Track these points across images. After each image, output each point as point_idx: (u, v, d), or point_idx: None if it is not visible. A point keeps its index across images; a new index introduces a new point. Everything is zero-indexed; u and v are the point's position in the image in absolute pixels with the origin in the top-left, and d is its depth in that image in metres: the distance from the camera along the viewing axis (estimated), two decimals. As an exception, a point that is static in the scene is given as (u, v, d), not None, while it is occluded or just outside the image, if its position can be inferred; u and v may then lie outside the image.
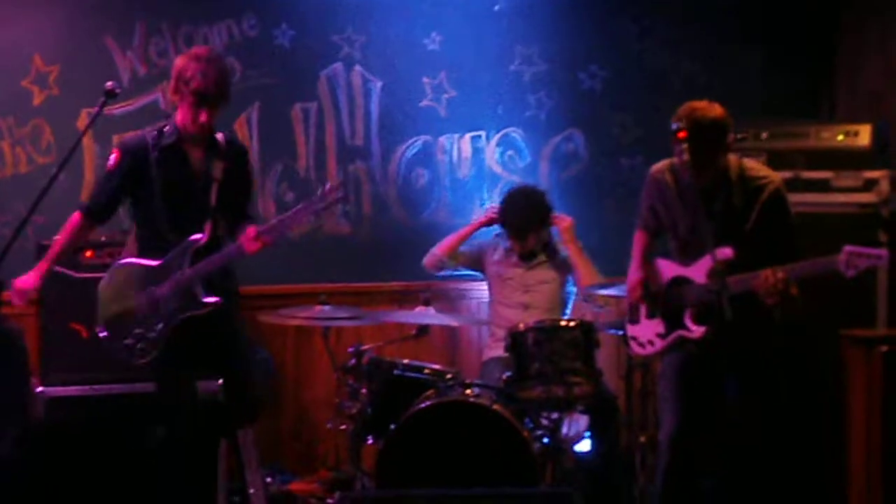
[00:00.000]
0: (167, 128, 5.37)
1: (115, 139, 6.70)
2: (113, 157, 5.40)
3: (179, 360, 5.37)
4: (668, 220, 5.30)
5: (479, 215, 6.96)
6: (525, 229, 6.49)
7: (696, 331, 5.11)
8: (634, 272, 5.47)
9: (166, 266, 5.31)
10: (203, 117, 5.25)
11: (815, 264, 4.84)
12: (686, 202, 5.17)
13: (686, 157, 4.94)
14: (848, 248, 4.71)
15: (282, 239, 5.44)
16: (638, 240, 5.55)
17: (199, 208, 5.34)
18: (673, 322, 5.23)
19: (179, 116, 5.33)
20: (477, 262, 6.75)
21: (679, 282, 5.24)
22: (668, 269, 5.32)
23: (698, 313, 5.12)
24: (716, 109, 5.00)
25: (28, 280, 5.41)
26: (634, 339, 5.45)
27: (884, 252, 4.70)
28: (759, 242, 5.02)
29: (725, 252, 4.93)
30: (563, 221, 6.62)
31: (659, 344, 5.30)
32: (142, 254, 5.43)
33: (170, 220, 5.34)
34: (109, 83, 5.07)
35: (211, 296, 5.28)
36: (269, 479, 6.48)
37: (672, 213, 5.26)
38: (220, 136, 5.46)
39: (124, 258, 5.52)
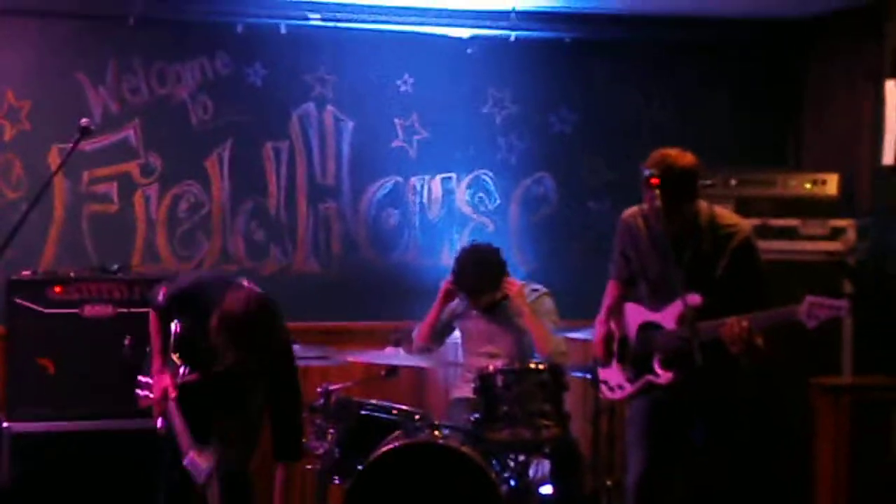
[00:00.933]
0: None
1: (86, 175, 6.68)
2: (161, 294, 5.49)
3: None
4: (638, 265, 5.33)
5: (437, 294, 6.73)
6: (478, 291, 6.47)
7: (664, 376, 5.14)
8: (600, 324, 5.49)
9: None
10: None
11: (777, 314, 4.87)
12: (656, 248, 5.20)
13: (657, 203, 4.97)
14: (809, 298, 4.74)
15: None
16: (610, 290, 5.55)
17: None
18: (641, 367, 5.25)
19: None
20: (452, 324, 6.74)
21: (648, 327, 5.27)
22: (638, 314, 5.34)
23: (666, 359, 5.14)
24: (687, 157, 5.04)
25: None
26: (605, 382, 5.47)
27: (843, 303, 4.73)
28: (728, 290, 5.04)
29: (694, 299, 4.96)
30: (512, 287, 6.51)
31: (628, 388, 5.33)
32: None
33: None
34: (84, 120, 5.03)
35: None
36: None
37: (642, 258, 5.29)
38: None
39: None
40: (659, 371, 5.15)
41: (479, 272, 6.44)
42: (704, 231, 5.13)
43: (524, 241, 7.44)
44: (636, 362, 5.29)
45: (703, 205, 5.15)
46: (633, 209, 5.36)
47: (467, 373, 6.42)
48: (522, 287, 6.51)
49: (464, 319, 6.63)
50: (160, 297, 5.44)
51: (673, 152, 5.03)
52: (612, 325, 5.43)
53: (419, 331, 6.67)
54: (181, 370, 5.37)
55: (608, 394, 5.48)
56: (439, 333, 6.69)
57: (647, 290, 5.33)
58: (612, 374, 5.42)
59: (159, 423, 5.40)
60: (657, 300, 5.24)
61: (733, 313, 4.89)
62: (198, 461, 5.27)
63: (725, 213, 5.24)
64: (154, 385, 5.42)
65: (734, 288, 5.05)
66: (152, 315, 5.52)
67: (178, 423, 5.32)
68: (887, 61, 6.51)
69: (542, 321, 6.42)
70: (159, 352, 5.47)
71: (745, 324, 4.83)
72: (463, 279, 6.47)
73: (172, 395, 5.32)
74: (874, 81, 6.71)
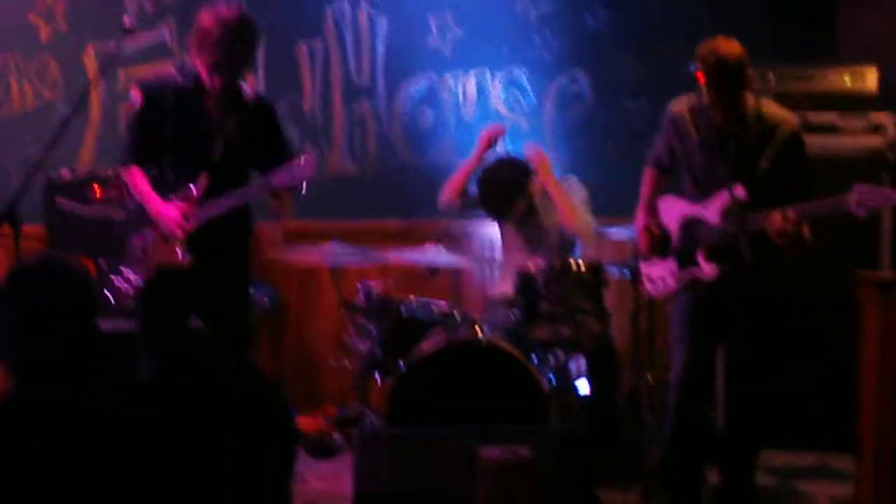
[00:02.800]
0: (188, 73, 5.27)
1: (122, 74, 6.69)
2: (135, 97, 5.29)
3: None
4: (683, 157, 5.30)
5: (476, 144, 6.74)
6: (507, 211, 6.49)
7: (709, 270, 5.13)
8: (641, 215, 5.49)
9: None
10: (217, 83, 5.18)
11: (825, 204, 4.85)
12: (703, 140, 5.18)
13: (709, 96, 4.95)
14: (858, 187, 4.72)
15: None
16: (647, 178, 5.53)
17: (201, 159, 5.25)
18: (685, 261, 5.25)
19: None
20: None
21: (691, 220, 5.26)
22: (680, 207, 5.32)
23: (711, 252, 5.14)
24: (736, 46, 4.98)
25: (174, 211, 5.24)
26: (648, 277, 5.46)
27: (894, 191, 4.72)
28: (773, 183, 5.02)
29: (739, 191, 4.95)
30: (534, 155, 6.45)
31: (672, 283, 5.31)
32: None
33: (173, 165, 5.25)
34: (126, 19, 5.04)
35: (187, 254, 5.21)
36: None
37: (688, 150, 5.26)
38: (248, 88, 5.34)
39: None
40: (704, 265, 5.15)
41: (504, 188, 6.42)
42: (751, 124, 5.09)
43: (559, 140, 7.40)
44: (679, 256, 5.28)
45: (750, 98, 5.11)
46: (682, 100, 5.31)
47: (506, 270, 6.45)
48: (545, 157, 6.46)
49: (501, 226, 6.63)
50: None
51: (721, 43, 4.98)
52: (653, 217, 5.42)
53: (449, 182, 6.61)
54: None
55: (651, 288, 5.46)
56: (470, 197, 6.62)
57: (692, 182, 5.30)
58: (656, 269, 5.41)
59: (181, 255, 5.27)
60: (701, 193, 5.22)
61: (777, 206, 4.88)
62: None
63: (772, 107, 5.20)
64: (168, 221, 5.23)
65: (779, 181, 5.03)
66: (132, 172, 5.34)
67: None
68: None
69: (567, 196, 6.40)
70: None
71: (791, 214, 4.81)
72: (490, 203, 6.46)
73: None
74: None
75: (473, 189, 6.59)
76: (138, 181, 5.29)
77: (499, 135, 6.53)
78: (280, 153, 5.43)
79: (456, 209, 6.67)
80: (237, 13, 5.14)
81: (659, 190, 5.49)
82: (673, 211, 5.36)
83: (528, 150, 6.46)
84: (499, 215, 6.50)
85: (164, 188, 5.25)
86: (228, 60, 5.10)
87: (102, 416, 3.13)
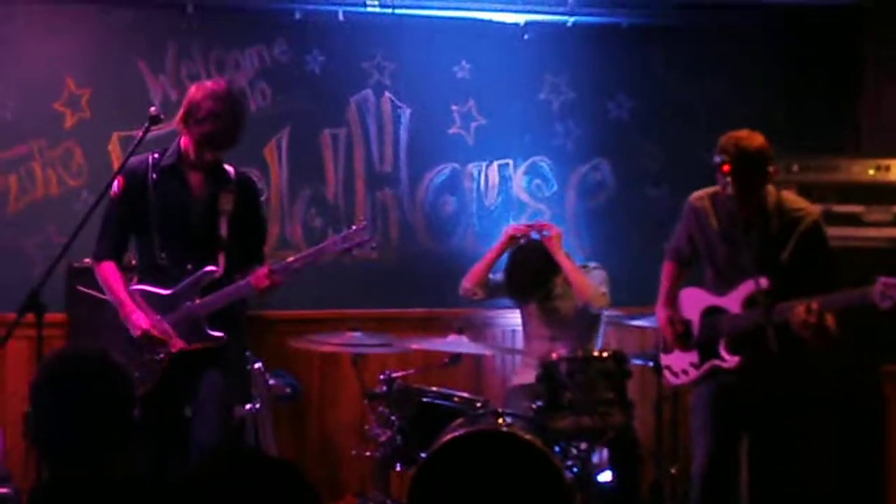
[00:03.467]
0: (170, 149, 5.22)
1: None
2: (116, 182, 5.18)
3: (173, 394, 5.20)
4: (705, 249, 5.30)
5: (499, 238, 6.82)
6: (532, 294, 6.52)
7: (731, 360, 5.11)
8: (662, 307, 5.47)
9: (177, 296, 5.15)
10: (208, 157, 5.14)
11: (849, 295, 4.82)
12: (725, 232, 5.18)
13: (729, 188, 4.95)
14: (883, 279, 4.70)
15: (292, 276, 5.24)
16: (667, 272, 5.55)
17: (203, 239, 5.18)
18: (706, 352, 5.23)
19: (183, 141, 5.20)
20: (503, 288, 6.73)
21: (712, 311, 5.24)
22: (701, 298, 5.32)
23: (733, 343, 5.12)
24: (757, 140, 5.00)
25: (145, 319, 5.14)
26: (668, 368, 5.44)
27: None
28: (796, 274, 5.02)
29: (763, 280, 4.94)
30: (550, 231, 6.55)
31: (693, 374, 5.29)
32: (143, 282, 5.25)
33: (164, 247, 5.17)
34: (153, 108, 5.04)
35: (216, 330, 5.14)
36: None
37: (710, 242, 5.26)
38: (229, 168, 5.28)
39: (135, 284, 5.28)
40: (726, 355, 5.12)
41: (530, 277, 6.46)
42: (773, 215, 5.10)
43: (581, 228, 7.41)
44: (701, 347, 5.26)
45: (771, 189, 5.12)
46: (702, 192, 5.32)
47: (527, 359, 6.42)
48: (559, 233, 6.52)
49: (523, 311, 6.62)
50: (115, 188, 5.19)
51: (743, 135, 5.00)
52: (674, 309, 5.41)
53: (470, 272, 6.66)
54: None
55: (672, 379, 5.45)
56: (491, 286, 6.67)
57: (713, 274, 5.30)
58: (676, 360, 5.39)
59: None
60: (722, 285, 5.21)
61: (800, 297, 4.86)
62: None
63: (793, 197, 5.21)
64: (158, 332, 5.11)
65: (802, 272, 5.02)
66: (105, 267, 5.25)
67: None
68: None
69: (577, 269, 6.43)
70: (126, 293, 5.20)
71: (815, 305, 4.79)
72: (513, 289, 6.49)
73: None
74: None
75: (495, 278, 6.60)
76: (113, 280, 5.21)
77: (523, 234, 6.55)
78: (262, 239, 5.49)
79: (477, 298, 6.68)
80: (225, 86, 5.14)
81: (678, 282, 5.49)
82: (694, 302, 5.35)
83: (538, 223, 6.49)
84: (523, 298, 6.50)
85: (159, 275, 5.17)
86: (218, 133, 5.07)
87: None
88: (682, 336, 5.33)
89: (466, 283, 6.64)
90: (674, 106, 7.53)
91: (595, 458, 5.89)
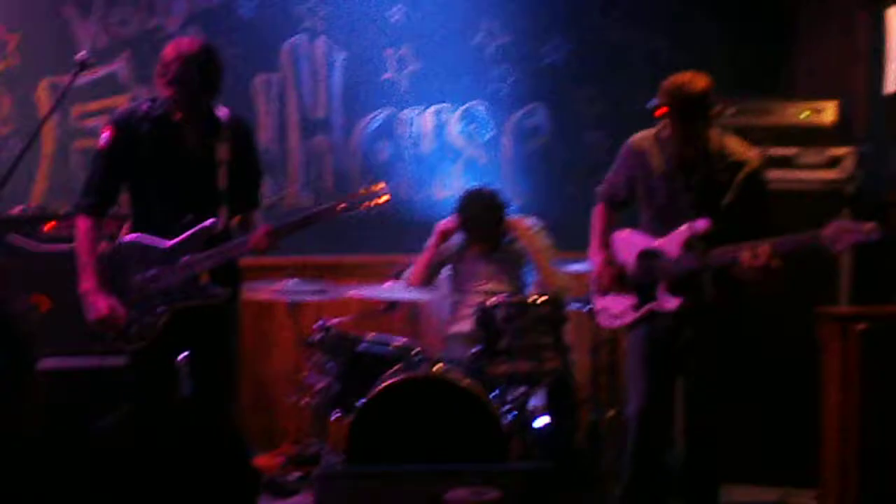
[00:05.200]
0: (159, 99, 5.05)
1: (76, 109, 6.62)
2: (105, 134, 5.05)
3: (171, 351, 5.14)
4: (645, 190, 5.28)
5: (432, 232, 6.65)
6: (488, 235, 6.44)
7: (671, 302, 5.11)
8: (597, 250, 5.46)
9: (176, 249, 5.05)
10: (190, 114, 5.01)
11: (800, 238, 4.84)
12: (667, 173, 5.16)
13: (673, 129, 4.94)
14: (835, 222, 4.71)
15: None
16: (599, 213, 5.53)
17: (201, 191, 5.06)
18: (644, 295, 5.22)
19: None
20: (444, 263, 6.66)
21: (650, 254, 5.23)
22: (637, 241, 5.31)
23: (673, 286, 5.12)
24: (702, 81, 4.97)
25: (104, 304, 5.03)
26: (604, 311, 5.43)
27: (872, 225, 4.69)
28: (734, 218, 5.02)
29: (702, 223, 4.94)
30: (521, 225, 6.49)
31: (629, 316, 5.29)
32: (139, 232, 5.12)
33: (163, 199, 5.06)
34: (81, 54, 4.95)
35: (217, 286, 5.08)
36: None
37: (650, 182, 5.24)
38: (222, 112, 5.14)
39: (131, 234, 5.15)
40: (664, 298, 5.12)
41: (489, 217, 6.39)
42: (715, 159, 5.09)
43: (517, 173, 7.38)
44: (638, 290, 5.26)
45: (714, 133, 5.11)
46: (644, 133, 5.30)
47: (464, 308, 6.39)
48: (529, 228, 6.48)
49: (461, 259, 6.57)
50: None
51: (686, 78, 4.98)
52: (608, 252, 5.40)
53: (412, 273, 6.58)
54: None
55: (607, 322, 5.44)
56: (432, 275, 6.63)
57: (650, 217, 5.29)
58: (612, 302, 5.38)
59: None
60: (660, 228, 5.20)
61: (736, 241, 4.87)
62: None
63: (737, 142, 5.20)
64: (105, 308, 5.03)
65: (740, 217, 5.02)
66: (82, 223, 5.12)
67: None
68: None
69: (544, 256, 6.39)
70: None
71: (764, 249, 4.79)
72: (473, 225, 6.41)
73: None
74: (871, 8, 6.64)
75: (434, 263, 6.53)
76: (86, 240, 5.09)
77: (454, 230, 6.48)
78: (258, 182, 5.39)
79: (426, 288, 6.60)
80: (200, 43, 5.01)
81: (611, 225, 5.48)
82: (629, 245, 5.34)
83: (513, 219, 6.45)
84: (481, 238, 6.42)
85: (158, 226, 5.07)
86: (198, 90, 4.95)
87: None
88: (618, 278, 5.33)
89: (412, 283, 6.54)
90: (610, 50, 7.48)
91: (532, 403, 5.90)
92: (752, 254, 4.81)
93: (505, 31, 7.40)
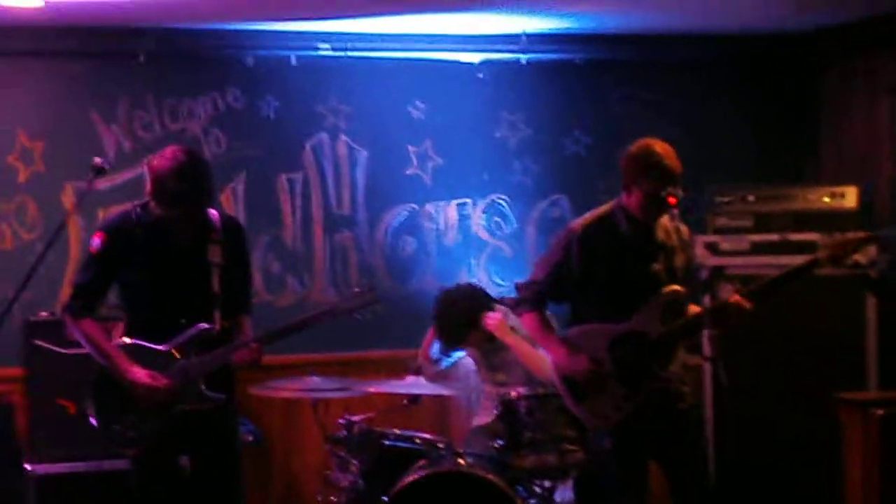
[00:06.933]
0: (149, 207, 5.07)
1: (101, 213, 6.69)
2: (97, 240, 5.09)
3: (170, 455, 5.13)
4: (603, 276, 5.19)
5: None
6: (453, 338, 6.37)
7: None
8: (561, 349, 5.28)
9: (171, 353, 5.04)
10: (182, 221, 5.03)
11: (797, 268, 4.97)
12: (632, 247, 5.17)
13: (645, 200, 5.07)
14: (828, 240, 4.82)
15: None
16: (537, 320, 5.38)
17: (195, 295, 5.06)
18: (634, 382, 5.15)
19: None
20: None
21: (622, 340, 5.16)
22: (601, 332, 5.21)
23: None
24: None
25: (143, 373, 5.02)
26: (593, 414, 5.28)
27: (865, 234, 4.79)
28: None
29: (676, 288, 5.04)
30: (490, 323, 6.23)
31: (626, 408, 5.20)
32: (133, 336, 5.11)
33: (156, 303, 5.07)
34: (97, 159, 5.01)
35: (213, 391, 5.05)
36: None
37: (611, 266, 5.19)
38: (214, 214, 5.18)
39: (126, 339, 5.12)
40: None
41: (450, 320, 6.31)
42: (670, 230, 5.20)
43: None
44: (624, 379, 5.16)
45: None
46: (590, 218, 5.29)
47: (486, 400, 6.37)
48: (502, 321, 6.28)
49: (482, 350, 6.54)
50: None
51: (662, 147, 5.17)
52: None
53: (423, 352, 6.52)
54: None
55: (600, 423, 5.28)
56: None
57: (607, 299, 5.21)
58: (598, 403, 5.22)
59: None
60: (620, 309, 5.14)
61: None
62: None
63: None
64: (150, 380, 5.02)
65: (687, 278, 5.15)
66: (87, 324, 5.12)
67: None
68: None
69: (528, 346, 6.26)
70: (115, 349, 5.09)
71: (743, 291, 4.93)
72: (437, 328, 6.37)
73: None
74: (892, 92, 6.67)
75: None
76: (98, 336, 5.09)
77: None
78: (249, 284, 5.44)
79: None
80: (186, 159, 4.97)
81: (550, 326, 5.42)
82: (593, 339, 5.22)
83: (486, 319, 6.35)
84: (455, 341, 6.39)
85: (152, 330, 5.05)
86: (191, 211, 4.99)
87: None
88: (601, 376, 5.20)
89: (420, 359, 6.52)
90: (630, 141, 7.47)
91: (558, 497, 5.85)
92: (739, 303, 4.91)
93: (526, 124, 7.48)
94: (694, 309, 5.12)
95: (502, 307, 6.37)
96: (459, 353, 6.50)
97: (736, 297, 4.94)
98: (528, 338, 6.05)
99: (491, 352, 6.37)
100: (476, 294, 6.39)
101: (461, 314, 6.29)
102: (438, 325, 6.35)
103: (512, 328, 6.21)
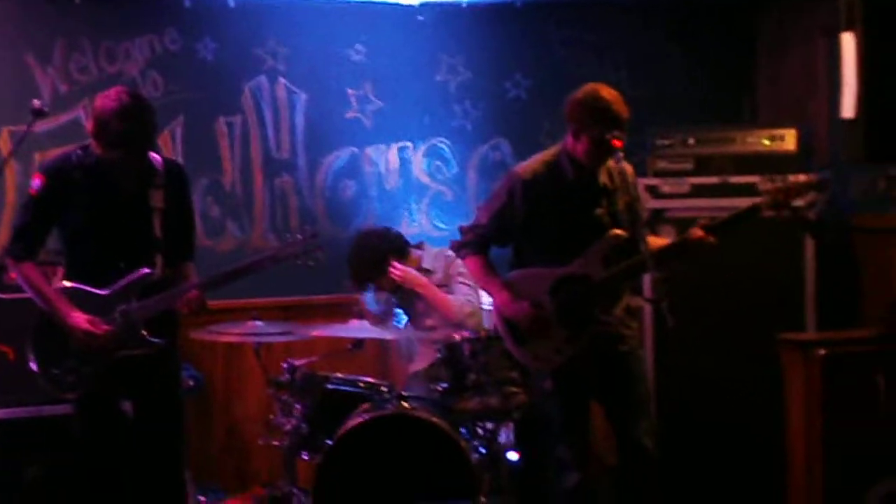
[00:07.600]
0: (91, 150, 5.01)
1: (38, 157, 6.60)
2: (36, 181, 5.05)
3: (111, 399, 5.12)
4: (547, 220, 5.24)
5: None
6: (359, 280, 6.46)
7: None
8: (504, 293, 5.32)
9: (112, 297, 5.02)
10: (125, 163, 4.96)
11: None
12: (576, 193, 5.19)
13: (590, 146, 5.08)
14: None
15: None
16: (479, 263, 5.43)
17: (136, 239, 5.05)
18: (580, 322, 5.19)
19: None
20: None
21: (564, 283, 5.20)
22: (543, 276, 5.25)
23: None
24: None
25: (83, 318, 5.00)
26: (534, 357, 5.35)
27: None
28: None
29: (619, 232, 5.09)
30: (396, 273, 6.33)
31: (568, 351, 5.24)
32: (73, 280, 5.09)
33: (97, 247, 5.04)
34: (36, 102, 4.93)
35: (154, 335, 5.04)
36: (202, 499, 6.41)
37: (553, 211, 5.22)
38: (157, 158, 5.14)
39: (66, 282, 5.10)
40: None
41: (356, 262, 6.42)
42: (613, 172, 5.20)
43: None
44: (568, 322, 5.21)
45: None
46: (534, 164, 5.31)
47: (422, 346, 6.38)
48: (406, 271, 6.36)
49: (404, 299, 6.54)
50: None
51: (610, 92, 5.16)
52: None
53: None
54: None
55: (543, 365, 5.34)
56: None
57: (551, 245, 5.25)
58: (540, 346, 5.29)
59: None
60: (564, 253, 5.19)
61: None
62: None
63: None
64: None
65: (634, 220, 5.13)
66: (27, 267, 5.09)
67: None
68: (842, 14, 6.49)
69: (437, 291, 6.31)
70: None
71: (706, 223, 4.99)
72: (348, 267, 6.44)
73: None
74: (829, 35, 6.69)
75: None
76: (38, 280, 5.08)
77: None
78: (192, 229, 5.41)
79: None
80: (130, 100, 4.91)
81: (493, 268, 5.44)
82: (534, 283, 5.26)
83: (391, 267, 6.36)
84: (357, 283, 6.42)
85: (93, 274, 5.04)
86: (134, 153, 4.93)
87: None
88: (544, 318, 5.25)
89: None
90: (571, 84, 7.43)
91: (502, 438, 5.89)
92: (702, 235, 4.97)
93: (466, 67, 7.44)
94: (655, 241, 5.12)
95: (419, 252, 6.43)
96: (370, 295, 6.51)
97: (699, 232, 4.96)
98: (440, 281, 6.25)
99: (406, 299, 6.40)
100: (388, 238, 6.43)
101: (368, 256, 6.38)
102: (348, 263, 6.42)
103: (427, 271, 6.26)
